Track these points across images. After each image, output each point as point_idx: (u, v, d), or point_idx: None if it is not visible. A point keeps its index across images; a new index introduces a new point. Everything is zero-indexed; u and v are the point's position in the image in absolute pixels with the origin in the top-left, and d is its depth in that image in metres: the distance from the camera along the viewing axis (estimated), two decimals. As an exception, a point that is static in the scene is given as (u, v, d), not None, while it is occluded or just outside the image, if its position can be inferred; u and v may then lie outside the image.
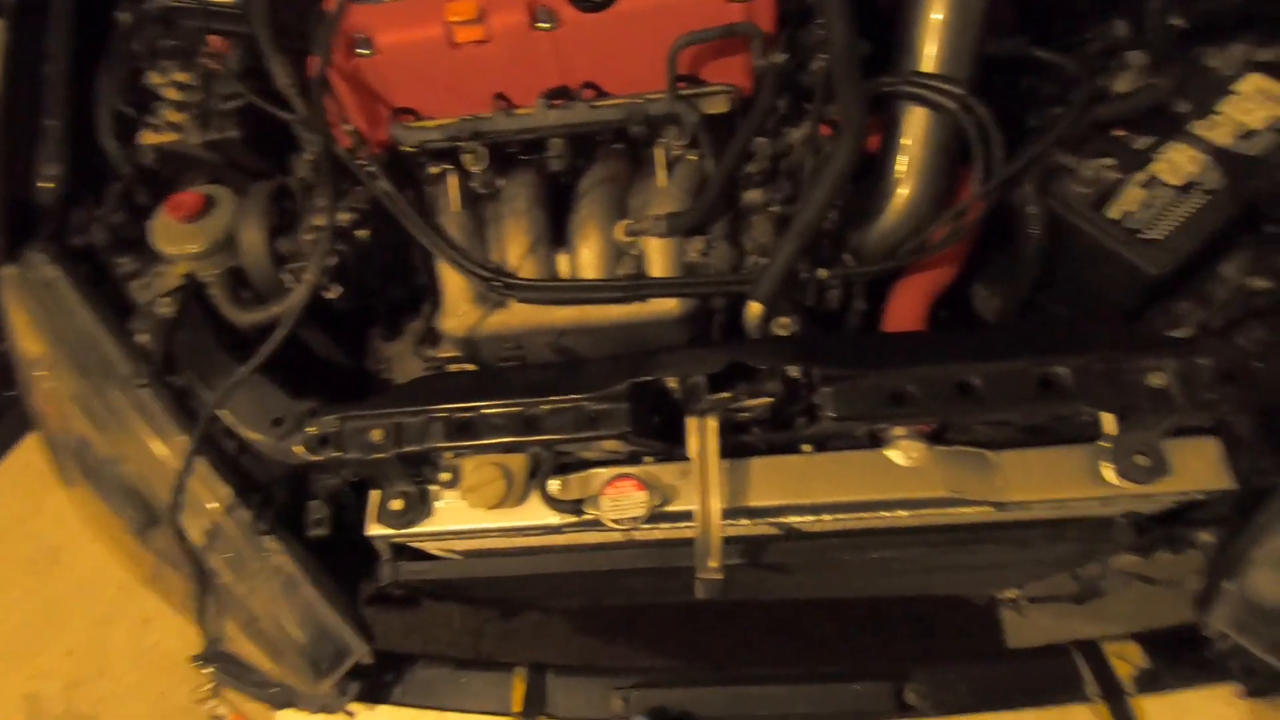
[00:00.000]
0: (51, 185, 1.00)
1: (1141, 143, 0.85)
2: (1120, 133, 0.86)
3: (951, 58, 0.83)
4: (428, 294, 1.04)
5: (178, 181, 1.09)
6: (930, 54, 0.83)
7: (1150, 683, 0.85)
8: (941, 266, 0.89)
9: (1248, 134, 0.82)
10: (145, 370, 0.88)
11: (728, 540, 0.86)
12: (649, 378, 0.77)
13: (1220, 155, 0.81)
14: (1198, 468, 0.75)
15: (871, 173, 0.90)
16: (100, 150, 1.04)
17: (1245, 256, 0.86)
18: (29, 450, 2.45)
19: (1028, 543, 0.81)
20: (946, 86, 0.81)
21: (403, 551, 0.94)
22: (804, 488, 0.77)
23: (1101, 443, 0.77)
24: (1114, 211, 0.81)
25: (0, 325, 0.96)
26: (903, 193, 0.87)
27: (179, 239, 0.90)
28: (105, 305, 0.93)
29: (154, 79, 1.03)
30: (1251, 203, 0.79)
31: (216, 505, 0.86)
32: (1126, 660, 0.86)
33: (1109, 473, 0.76)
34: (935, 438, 0.81)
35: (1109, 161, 0.83)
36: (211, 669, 0.99)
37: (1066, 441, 0.80)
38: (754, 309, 0.79)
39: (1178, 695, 0.83)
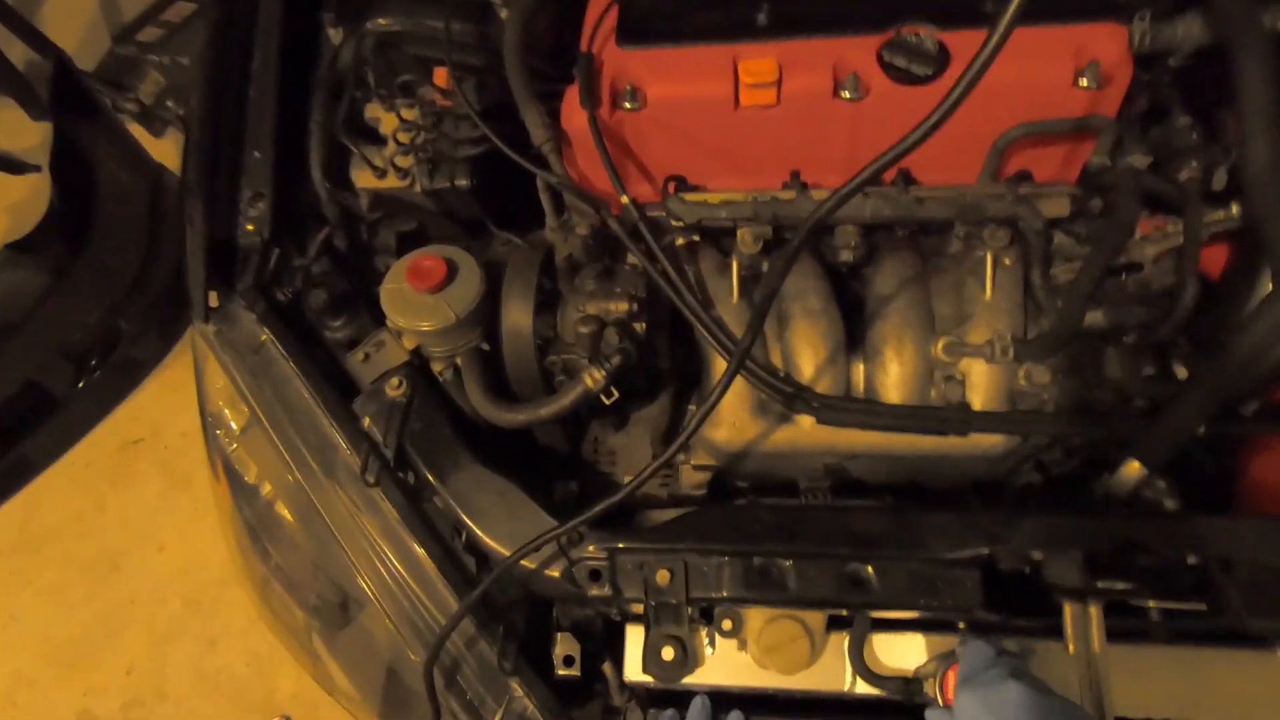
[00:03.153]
0: (254, 228, 0.87)
1: None
2: None
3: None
4: (664, 382, 0.91)
5: (379, 225, 0.97)
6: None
7: None
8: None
9: None
10: (376, 466, 0.75)
11: None
12: (1015, 546, 0.64)
13: None
14: None
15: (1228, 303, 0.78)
16: (303, 189, 0.92)
17: None
18: (93, 446, 2.32)
19: None
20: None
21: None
22: (1195, 693, 0.64)
23: None
24: None
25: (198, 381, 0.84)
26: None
27: (418, 311, 0.77)
28: (325, 381, 0.80)
29: (375, 112, 0.91)
30: None
31: (458, 640, 0.73)
32: None
33: None
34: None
35: None
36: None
37: None
38: (1134, 468, 0.67)
39: None
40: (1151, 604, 0.62)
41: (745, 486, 0.92)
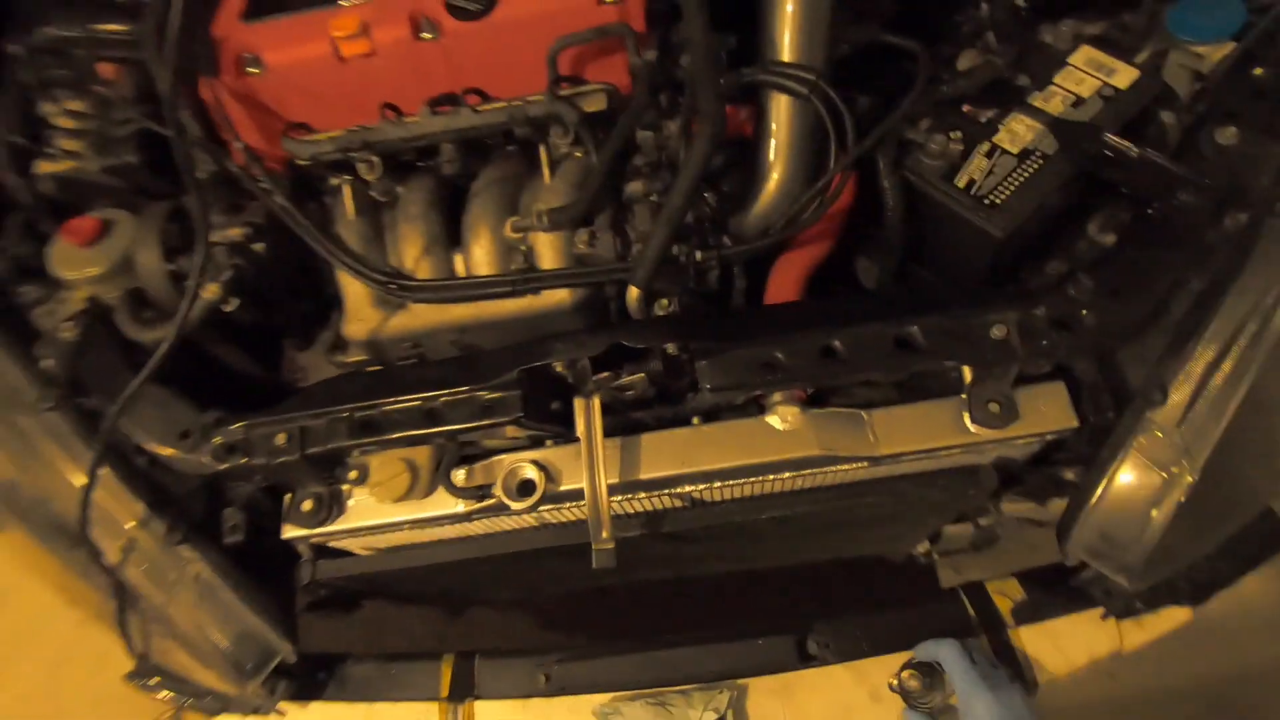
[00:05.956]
0: (-53, 220, 1.00)
1: (986, 116, 0.92)
2: (968, 109, 0.93)
3: (805, 47, 0.88)
4: (335, 305, 1.07)
5: (82, 209, 1.10)
6: (786, 44, 0.89)
7: (1028, 614, 0.92)
8: (814, 243, 0.95)
9: (1079, 102, 0.90)
10: (52, 394, 0.90)
11: (636, 515, 0.91)
12: (535, 363, 0.81)
13: (1054, 123, 0.88)
14: (1046, 411, 0.82)
15: (748, 162, 0.96)
16: (-3, 183, 1.05)
17: (1103, 215, 0.94)
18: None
19: (903, 494, 0.87)
20: (799, 73, 0.86)
21: (325, 553, 0.97)
22: (689, 458, 0.82)
23: (962, 395, 0.84)
24: (961, 180, 0.88)
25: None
26: (774, 176, 0.93)
27: (78, 264, 0.92)
28: (9, 334, 0.94)
29: (46, 108, 1.05)
30: (1084, 164, 0.86)
31: (132, 521, 0.88)
32: (1007, 596, 0.93)
33: (967, 421, 0.82)
34: (817, 402, 0.87)
35: (956, 135, 0.90)
36: (154, 681, 1.01)
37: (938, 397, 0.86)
38: (633, 293, 0.84)
39: (1052, 623, 0.90)
40: (627, 380, 0.79)
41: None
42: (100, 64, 1.05)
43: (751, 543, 1.07)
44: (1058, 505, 0.97)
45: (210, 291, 0.87)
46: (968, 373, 0.83)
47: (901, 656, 0.88)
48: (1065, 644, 0.89)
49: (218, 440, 0.85)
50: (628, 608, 1.06)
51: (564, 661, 0.95)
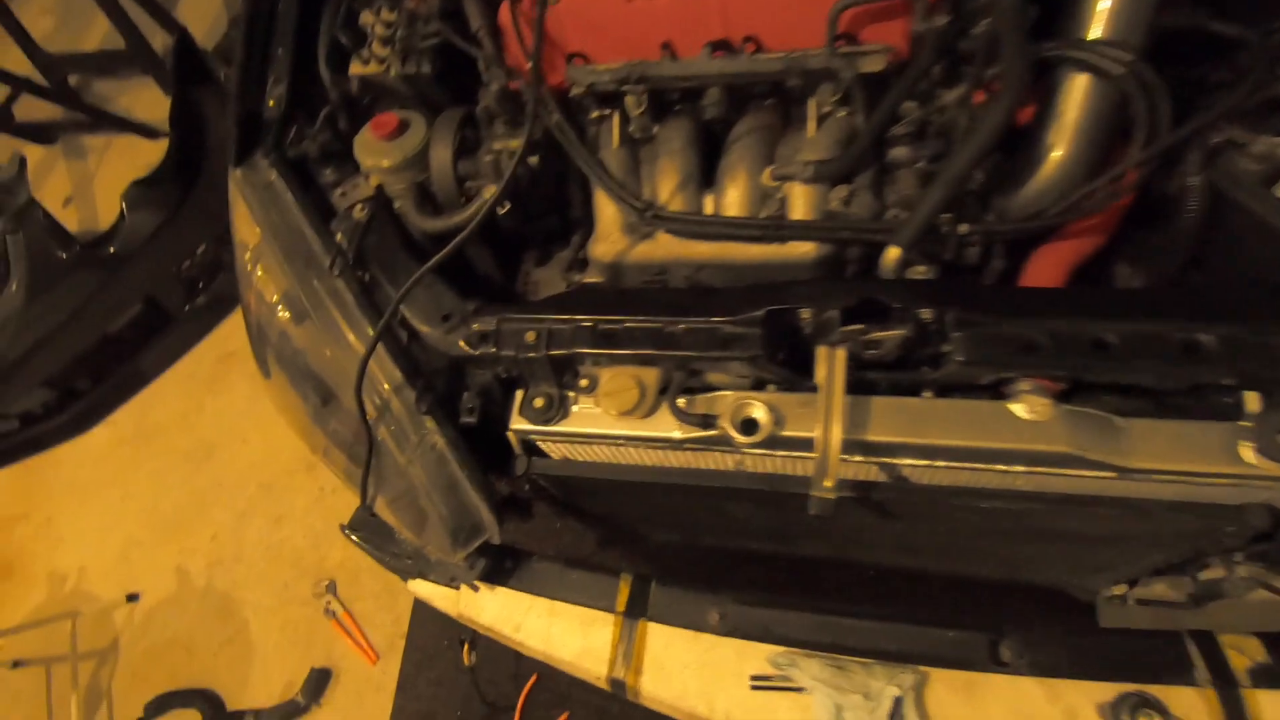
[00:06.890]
0: (275, 104, 1.16)
1: (1326, 123, 0.82)
2: (1302, 113, 0.83)
3: (1123, 25, 0.82)
4: (578, 227, 1.14)
5: (374, 109, 1.24)
6: (1100, 20, 0.84)
7: (1268, 679, 0.82)
8: (1085, 236, 0.89)
9: None
10: (340, 263, 1.02)
11: (846, 481, 0.90)
12: (784, 306, 0.82)
13: None
14: (1351, 456, 0.73)
15: (1025, 142, 0.91)
16: (316, 78, 1.20)
17: None
18: (195, 360, 2.79)
19: (1149, 512, 0.81)
20: (1115, 53, 0.81)
21: (533, 452, 1.04)
22: (921, 428, 0.80)
23: (1243, 422, 0.76)
24: (1284, 190, 0.79)
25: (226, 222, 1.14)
26: (1055, 156, 0.88)
27: (377, 153, 1.04)
28: (312, 207, 1.08)
29: (366, 18, 1.18)
30: None
31: (388, 386, 0.98)
32: (1244, 653, 0.84)
33: (1247, 452, 0.75)
34: (1063, 400, 0.82)
35: (1286, 140, 0.81)
36: (362, 534, 1.13)
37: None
38: (892, 253, 0.83)
39: (1298, 694, 0.81)
40: (879, 335, 0.78)
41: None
42: (415, -18, 1.17)
43: (941, 537, 1.03)
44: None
45: (490, 192, 0.95)
46: (1252, 399, 0.76)
47: (1107, 687, 0.83)
48: (1311, 720, 0.79)
49: (475, 326, 0.93)
50: (803, 573, 1.06)
51: (740, 605, 0.96)
